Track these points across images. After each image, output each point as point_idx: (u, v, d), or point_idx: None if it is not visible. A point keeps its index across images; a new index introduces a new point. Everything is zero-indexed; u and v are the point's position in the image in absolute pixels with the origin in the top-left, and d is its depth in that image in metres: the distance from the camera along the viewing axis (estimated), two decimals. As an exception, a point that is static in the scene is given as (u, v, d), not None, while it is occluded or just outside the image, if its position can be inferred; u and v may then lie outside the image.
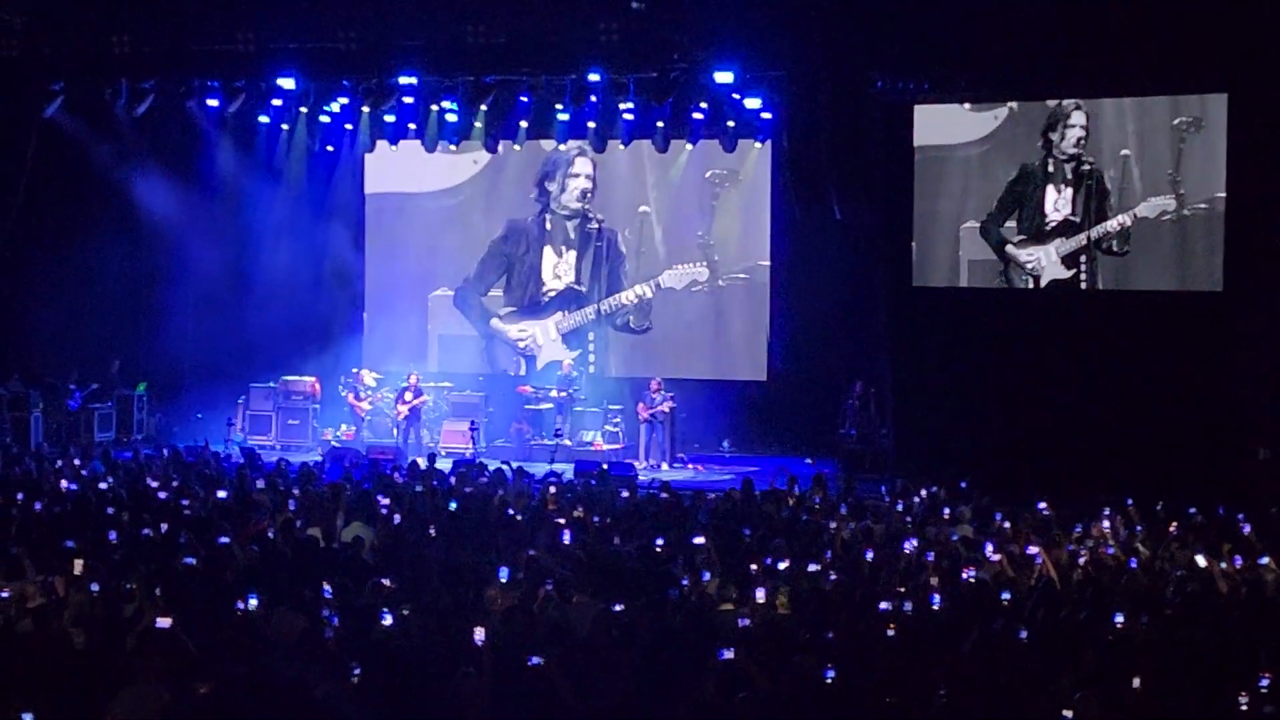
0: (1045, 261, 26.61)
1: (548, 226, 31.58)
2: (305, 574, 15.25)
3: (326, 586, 14.25)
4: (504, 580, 15.04)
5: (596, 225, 31.18)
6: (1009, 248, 26.80)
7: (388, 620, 12.90)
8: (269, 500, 20.07)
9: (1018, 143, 26.70)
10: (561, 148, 30.91)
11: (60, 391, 30.15)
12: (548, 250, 31.56)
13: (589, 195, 31.31)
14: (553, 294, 31.50)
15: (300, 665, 11.96)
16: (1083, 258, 26.34)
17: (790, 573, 15.89)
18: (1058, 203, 26.48)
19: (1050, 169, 26.45)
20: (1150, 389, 25.14)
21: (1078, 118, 26.25)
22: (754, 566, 16.17)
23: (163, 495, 20.09)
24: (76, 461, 23.86)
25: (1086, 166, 26.20)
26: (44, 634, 12.74)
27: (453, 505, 19.87)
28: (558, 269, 31.52)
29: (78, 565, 14.99)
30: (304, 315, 31.24)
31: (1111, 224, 26.01)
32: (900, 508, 21.03)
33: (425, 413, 29.81)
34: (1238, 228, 24.96)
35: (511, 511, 19.61)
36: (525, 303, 31.66)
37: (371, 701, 11.36)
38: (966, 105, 26.84)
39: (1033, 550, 16.96)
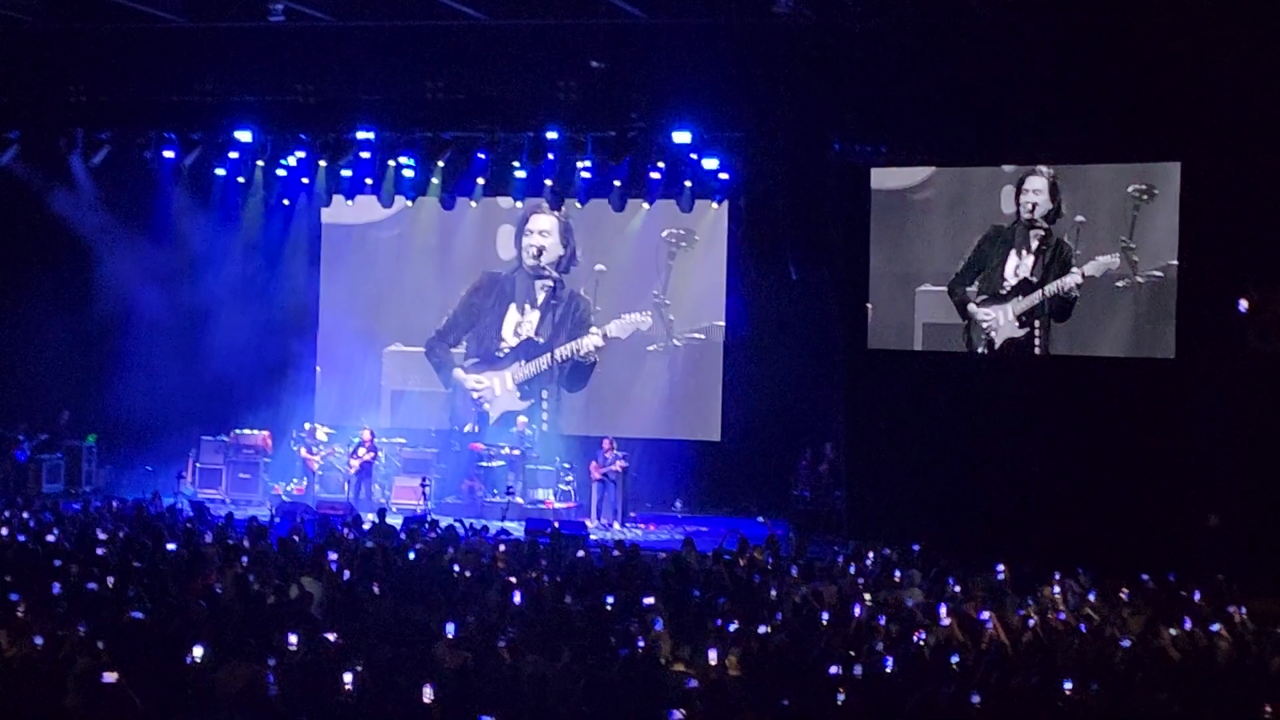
0: (1001, 321, 26.71)
1: (516, 283, 31.55)
2: (253, 629, 15.15)
3: (292, 638, 14.15)
4: (450, 635, 14.94)
5: (566, 289, 31.13)
6: (970, 307, 26.90)
7: (348, 678, 12.77)
8: (217, 554, 19.92)
9: (960, 194, 26.83)
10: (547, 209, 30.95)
11: (8, 442, 29.91)
12: (512, 307, 31.50)
13: (560, 257, 31.17)
14: (508, 349, 31.41)
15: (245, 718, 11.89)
16: (1036, 320, 26.42)
17: (740, 634, 15.83)
18: (1018, 268, 26.58)
19: (1017, 234, 26.57)
20: (1103, 455, 25.20)
21: (1034, 183, 26.40)
22: (706, 627, 16.13)
23: (108, 549, 19.90)
24: (25, 514, 23.65)
25: (1050, 235, 26.27)
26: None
27: (411, 555, 19.81)
28: (519, 327, 31.43)
29: (19, 617, 14.86)
30: (256, 369, 30.99)
31: (1066, 281, 26.11)
32: (853, 570, 20.99)
33: (377, 468, 29.65)
34: (1190, 296, 25.08)
35: (461, 569, 19.51)
36: (484, 355, 31.57)
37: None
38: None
39: (984, 615, 16.95)
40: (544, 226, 31.25)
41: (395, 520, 24.85)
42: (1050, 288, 26.27)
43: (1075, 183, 26.26)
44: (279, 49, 27.88)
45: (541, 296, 31.34)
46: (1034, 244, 26.45)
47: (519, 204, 30.93)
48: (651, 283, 30.90)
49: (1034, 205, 26.41)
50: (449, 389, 31.74)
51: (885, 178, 27.10)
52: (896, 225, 27.14)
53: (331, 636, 14.64)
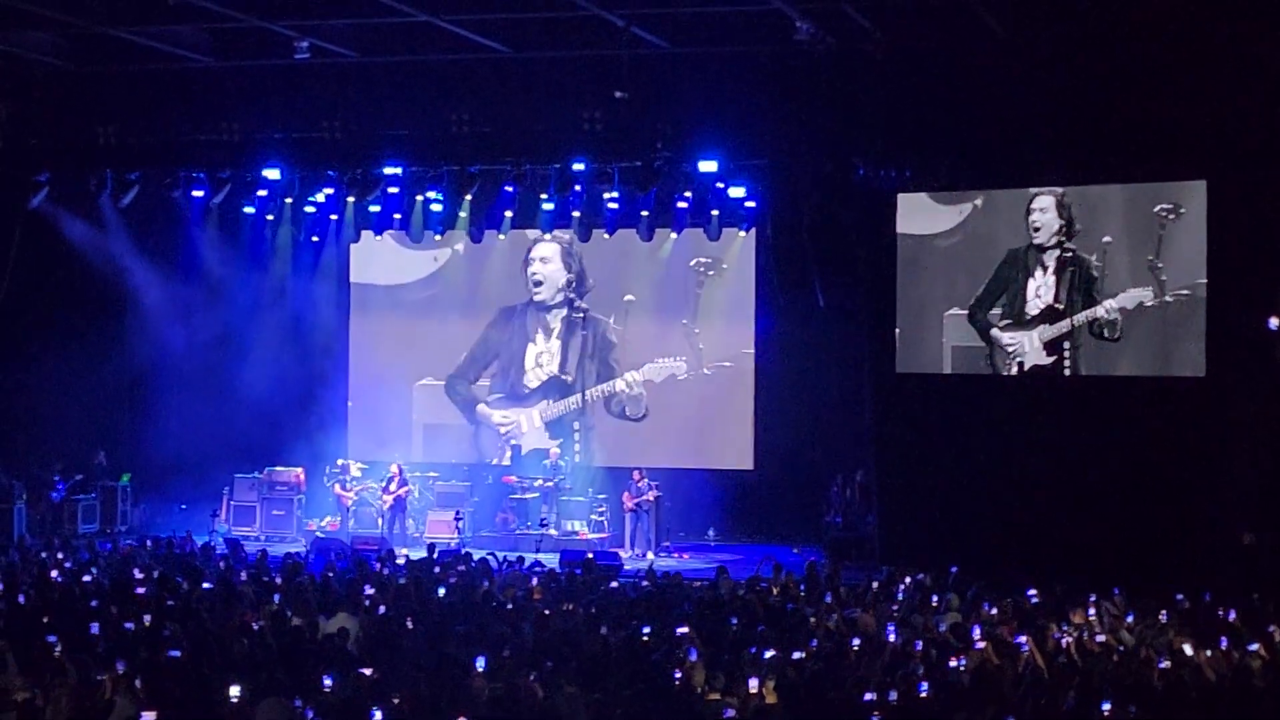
0: (1028, 347, 26.67)
1: (531, 315, 31.64)
2: (291, 665, 15.19)
3: (327, 679, 14.20)
4: (481, 669, 14.96)
5: (581, 314, 31.21)
6: (994, 331, 26.88)
7: (378, 716, 12.80)
8: (252, 591, 19.98)
9: (989, 233, 26.83)
10: (549, 236, 31.06)
11: (44, 483, 30.04)
12: (531, 339, 31.60)
13: (567, 281, 31.30)
14: (535, 383, 31.50)
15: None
16: (1065, 344, 26.39)
17: (776, 661, 15.83)
18: (1040, 290, 26.55)
19: (1031, 256, 26.55)
20: (1135, 475, 25.13)
21: (1041, 202, 26.38)
22: (741, 655, 16.13)
23: (145, 588, 19.97)
24: (60, 554, 23.74)
25: (1069, 254, 26.27)
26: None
27: (441, 591, 19.84)
28: (540, 358, 31.54)
29: (58, 658, 14.91)
30: (289, 405, 31.17)
31: (1099, 310, 26.06)
32: (887, 596, 20.96)
33: (410, 502, 29.71)
34: (1219, 314, 25.03)
35: (496, 602, 19.53)
36: (510, 390, 31.67)
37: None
38: (931, 199, 27.00)
39: (1020, 638, 16.91)
40: (544, 254, 31.42)
41: (419, 553, 24.94)
42: (1079, 318, 26.22)
43: (1101, 203, 26.22)
44: (305, 86, 28.04)
45: (557, 326, 31.43)
46: (1051, 264, 26.43)
47: (547, 236, 31.05)
48: (680, 312, 30.97)
49: (1039, 226, 26.39)
50: (473, 425, 31.81)
51: (912, 222, 27.10)
52: (920, 259, 27.13)
53: (367, 671, 14.67)
